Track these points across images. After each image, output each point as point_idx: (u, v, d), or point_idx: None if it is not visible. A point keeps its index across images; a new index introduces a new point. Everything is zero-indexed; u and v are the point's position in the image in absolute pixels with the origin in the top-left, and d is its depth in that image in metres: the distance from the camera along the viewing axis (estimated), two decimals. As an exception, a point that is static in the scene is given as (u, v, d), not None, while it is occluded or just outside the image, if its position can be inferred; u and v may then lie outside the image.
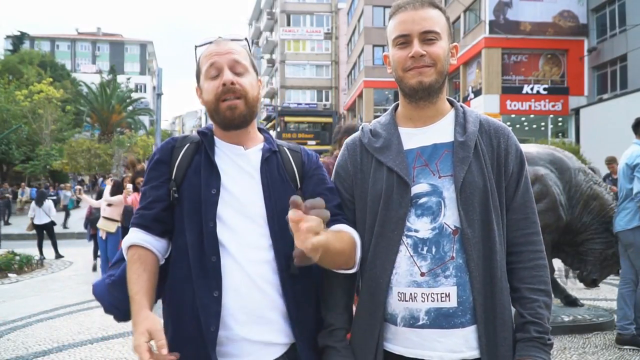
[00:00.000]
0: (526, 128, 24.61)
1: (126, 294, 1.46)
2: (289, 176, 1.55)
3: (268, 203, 1.47)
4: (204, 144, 1.53)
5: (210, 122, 1.62)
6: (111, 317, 1.58)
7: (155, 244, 1.46)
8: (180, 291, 1.45)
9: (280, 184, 1.51)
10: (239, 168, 1.51)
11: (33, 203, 11.46)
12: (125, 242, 1.47)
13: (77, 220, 18.98)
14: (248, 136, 1.56)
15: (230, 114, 1.48)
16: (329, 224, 1.43)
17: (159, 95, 16.66)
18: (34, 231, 11.36)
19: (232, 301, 1.39)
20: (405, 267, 1.39)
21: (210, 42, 1.55)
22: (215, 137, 1.56)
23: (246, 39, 1.62)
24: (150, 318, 1.29)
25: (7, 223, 20.13)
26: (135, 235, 1.46)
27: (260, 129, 1.64)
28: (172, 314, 1.47)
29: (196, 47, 1.58)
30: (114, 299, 1.53)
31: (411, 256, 1.39)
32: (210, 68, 1.49)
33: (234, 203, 1.46)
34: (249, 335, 1.40)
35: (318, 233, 1.16)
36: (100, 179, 27.32)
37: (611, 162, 8.97)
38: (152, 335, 1.25)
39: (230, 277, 1.40)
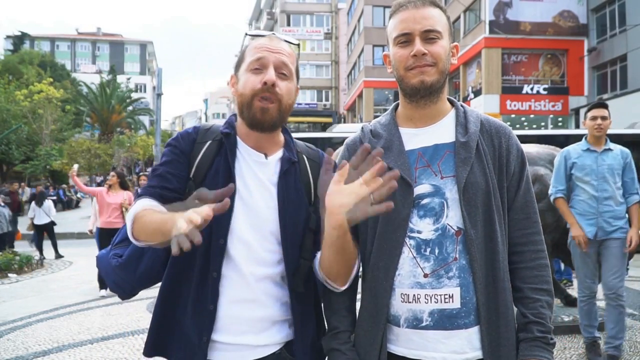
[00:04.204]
0: (526, 128, 24.58)
1: (132, 275, 1.49)
2: (304, 190, 1.51)
3: (282, 220, 1.44)
4: (225, 147, 1.47)
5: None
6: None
7: None
8: (178, 292, 1.45)
9: (296, 199, 1.48)
10: (258, 179, 1.46)
11: (33, 203, 11.46)
12: (139, 206, 1.39)
13: (77, 220, 18.98)
14: (272, 140, 1.51)
15: (261, 115, 1.42)
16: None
17: (159, 95, 16.64)
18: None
19: (233, 313, 1.40)
20: (408, 268, 1.38)
21: (264, 36, 1.49)
22: (237, 138, 1.50)
23: (299, 45, 1.56)
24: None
25: (7, 223, 20.08)
26: (153, 203, 1.39)
27: (282, 129, 1.57)
28: (168, 312, 1.46)
29: (247, 34, 1.52)
30: (120, 279, 1.54)
31: (414, 257, 1.38)
32: (255, 61, 1.43)
33: (249, 216, 1.42)
34: (246, 342, 1.41)
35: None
36: (100, 179, 27.30)
37: None
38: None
39: (234, 290, 1.40)
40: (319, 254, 1.45)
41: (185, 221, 1.06)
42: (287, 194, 1.46)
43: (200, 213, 1.08)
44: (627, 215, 4.01)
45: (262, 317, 1.43)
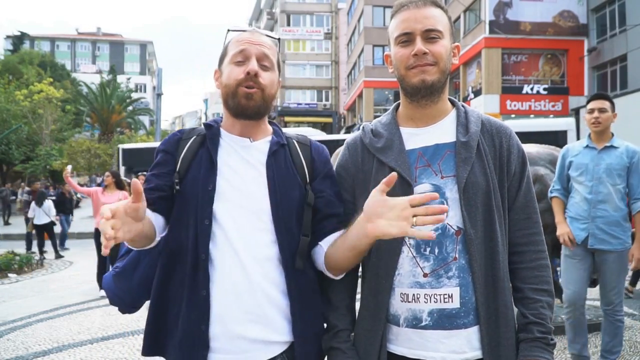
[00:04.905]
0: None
1: (129, 283, 1.51)
2: (297, 170, 1.52)
3: (273, 197, 1.44)
4: (207, 137, 1.52)
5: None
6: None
7: (153, 217, 1.41)
8: (170, 287, 1.44)
9: (287, 177, 1.49)
10: (244, 161, 1.49)
11: (33, 203, 11.46)
12: None
13: (77, 220, 18.97)
14: (257, 129, 1.54)
15: (245, 102, 1.46)
16: (330, 233, 1.46)
17: (159, 95, 16.67)
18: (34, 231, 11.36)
19: (229, 299, 1.38)
20: (408, 268, 1.38)
21: (245, 30, 1.54)
22: (221, 129, 1.54)
23: (279, 39, 1.62)
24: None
25: (7, 223, 20.13)
26: None
27: (269, 122, 1.61)
28: (162, 309, 1.46)
29: (229, 30, 1.57)
30: (118, 289, 1.55)
31: (414, 257, 1.38)
32: (238, 54, 1.48)
33: (237, 197, 1.44)
34: (245, 333, 1.38)
35: None
36: (100, 179, 27.30)
37: None
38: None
39: (229, 274, 1.39)
40: (322, 244, 1.46)
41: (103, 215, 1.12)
42: (278, 172, 1.48)
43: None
44: (625, 224, 3.56)
45: (259, 305, 1.39)
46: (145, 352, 1.49)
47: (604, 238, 3.55)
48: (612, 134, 3.63)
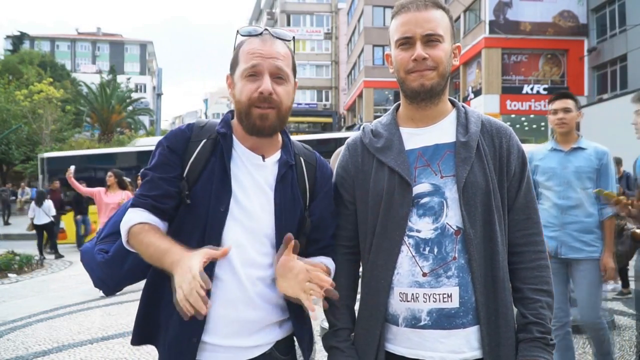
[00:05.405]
0: (526, 128, 24.58)
1: (118, 272, 1.49)
2: (300, 193, 1.50)
3: (278, 223, 1.43)
4: (221, 147, 1.44)
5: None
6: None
7: (163, 227, 1.42)
8: (165, 289, 1.39)
9: (292, 203, 1.47)
10: (254, 182, 1.44)
11: (33, 203, 11.46)
12: (133, 219, 1.38)
13: (77, 220, 18.93)
14: (270, 142, 1.49)
15: (260, 123, 1.40)
16: (314, 254, 1.48)
17: (159, 95, 16.67)
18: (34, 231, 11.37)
19: (226, 317, 1.39)
20: (407, 267, 1.39)
21: (257, 34, 1.43)
22: (234, 138, 1.47)
23: (293, 37, 1.51)
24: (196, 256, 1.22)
25: (7, 223, 20.15)
26: (146, 216, 1.39)
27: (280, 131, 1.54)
28: (154, 305, 1.45)
29: (238, 32, 1.46)
30: (105, 275, 1.53)
31: (413, 256, 1.39)
32: (250, 68, 1.39)
33: (244, 219, 1.41)
34: (237, 344, 1.40)
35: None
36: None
37: (617, 163, 8.42)
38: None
39: (227, 293, 1.39)
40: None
41: (188, 289, 1.14)
42: (284, 197, 1.45)
43: (200, 264, 1.17)
44: (599, 231, 3.30)
45: (254, 319, 1.41)
46: (135, 342, 1.49)
47: (576, 246, 3.27)
48: (579, 135, 3.40)
